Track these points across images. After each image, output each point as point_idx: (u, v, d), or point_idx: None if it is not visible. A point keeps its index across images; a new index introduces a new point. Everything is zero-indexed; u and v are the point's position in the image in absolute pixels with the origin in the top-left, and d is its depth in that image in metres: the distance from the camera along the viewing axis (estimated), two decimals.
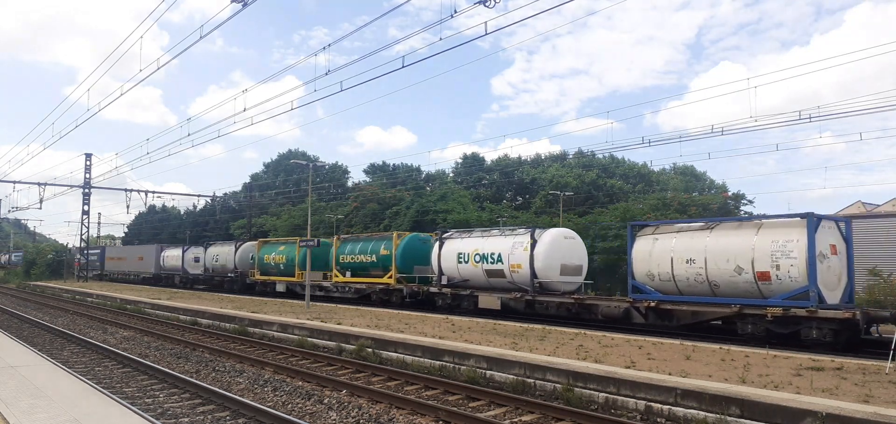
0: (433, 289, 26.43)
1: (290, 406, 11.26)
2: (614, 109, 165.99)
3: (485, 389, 12.12)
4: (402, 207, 49.87)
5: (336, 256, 32.46)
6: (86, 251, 63.21)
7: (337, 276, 32.35)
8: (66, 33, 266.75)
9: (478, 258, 24.78)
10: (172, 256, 52.20)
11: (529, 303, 22.77)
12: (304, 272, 30.72)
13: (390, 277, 28.71)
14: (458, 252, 25.64)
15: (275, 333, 20.41)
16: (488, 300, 24.12)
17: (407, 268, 28.52)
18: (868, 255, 21.07)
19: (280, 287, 36.56)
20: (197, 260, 47.22)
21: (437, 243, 26.87)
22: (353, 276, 31.33)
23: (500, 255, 23.92)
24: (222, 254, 44.07)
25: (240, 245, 43.72)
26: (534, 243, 22.97)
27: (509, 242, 23.83)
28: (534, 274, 22.80)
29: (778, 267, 15.84)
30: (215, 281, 44.77)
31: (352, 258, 31.57)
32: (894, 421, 7.99)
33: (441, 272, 26.32)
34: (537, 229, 23.95)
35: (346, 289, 31.90)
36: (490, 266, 24.27)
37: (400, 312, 25.15)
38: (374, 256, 30.09)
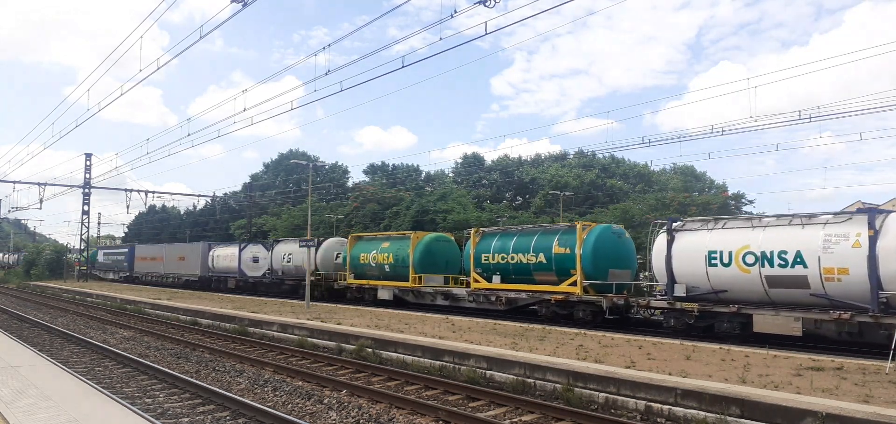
0: (660, 302, 18.96)
1: (290, 406, 11.26)
2: (614, 110, 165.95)
3: (485, 389, 12.12)
4: (402, 207, 49.88)
5: (475, 254, 25.34)
6: (109, 251, 60.69)
7: (478, 281, 25.19)
8: (67, 34, 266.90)
9: (750, 259, 16.96)
10: (225, 255, 44.50)
11: (868, 328, 15.01)
12: (421, 276, 27.93)
13: (572, 284, 21.53)
14: (707, 250, 17.94)
15: (275, 333, 20.41)
16: (774, 323, 16.50)
17: (599, 272, 21.28)
18: None
19: (383, 294, 29.77)
20: (256, 260, 40.42)
21: (662, 235, 19.45)
22: (505, 281, 24.27)
23: (799, 253, 15.99)
24: (296, 253, 36.23)
25: (322, 242, 36.67)
26: (875, 234, 14.90)
27: (818, 234, 15.90)
28: (878, 284, 14.67)
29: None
30: (286, 286, 37.44)
31: (503, 258, 24.27)
32: (894, 421, 7.99)
33: (673, 279, 18.71)
34: (879, 212, 15.78)
35: (494, 299, 24.79)
36: (777, 272, 16.40)
37: (400, 312, 25.13)
38: (541, 255, 22.96)
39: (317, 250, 34.82)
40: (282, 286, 37.85)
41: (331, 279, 34.61)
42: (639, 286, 21.87)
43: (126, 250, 62.74)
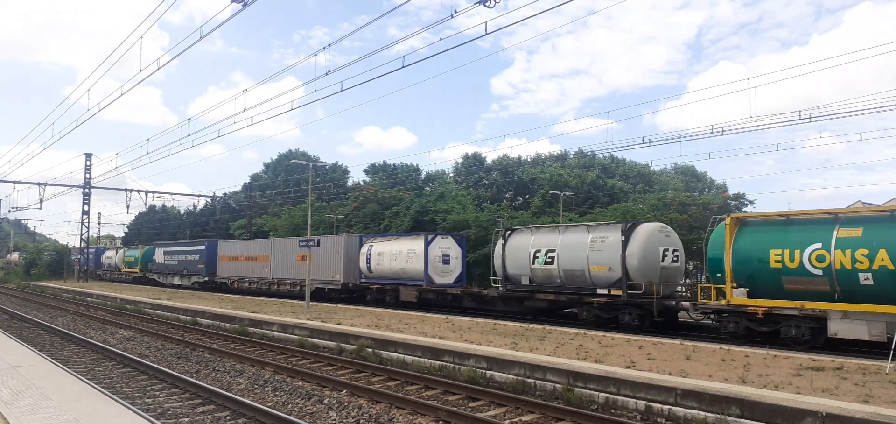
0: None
1: (290, 406, 11.26)
2: (614, 110, 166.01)
3: (485, 389, 12.12)
4: (401, 207, 49.87)
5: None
6: (174, 248, 51.03)
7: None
8: (67, 34, 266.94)
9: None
10: (398, 252, 29.65)
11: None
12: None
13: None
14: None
15: (275, 333, 20.40)
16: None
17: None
18: None
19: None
20: (447, 260, 28.93)
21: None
22: None
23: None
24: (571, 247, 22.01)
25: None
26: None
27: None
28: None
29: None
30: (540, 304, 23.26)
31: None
32: (894, 421, 7.98)
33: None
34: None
35: (527, 301, 22.95)
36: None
37: (400, 312, 25.13)
38: None
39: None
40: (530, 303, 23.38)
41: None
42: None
43: (202, 247, 47.74)
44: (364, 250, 31.65)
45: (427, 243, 28.58)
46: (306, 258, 28.62)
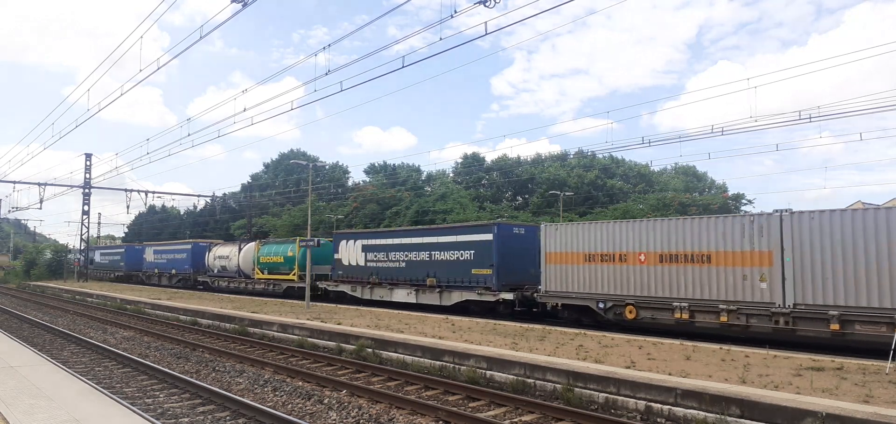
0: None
1: (290, 406, 11.26)
2: (614, 110, 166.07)
3: (485, 389, 12.12)
4: (401, 207, 49.90)
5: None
6: (374, 239, 39.12)
7: None
8: (67, 34, 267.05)
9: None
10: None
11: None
12: None
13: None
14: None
15: (275, 333, 20.40)
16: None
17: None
18: None
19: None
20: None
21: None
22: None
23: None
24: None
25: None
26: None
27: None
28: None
29: None
30: None
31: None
32: (894, 421, 7.98)
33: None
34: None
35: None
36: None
37: (399, 312, 25.14)
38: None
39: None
40: None
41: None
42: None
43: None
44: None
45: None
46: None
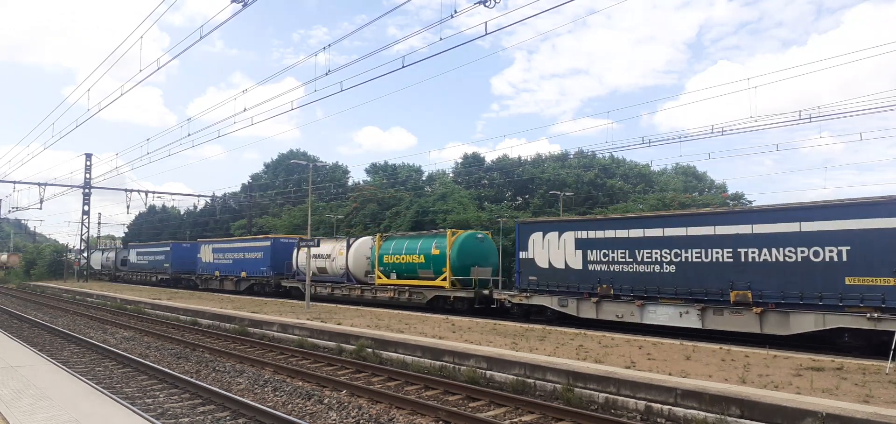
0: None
1: (290, 406, 11.26)
2: (614, 110, 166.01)
3: (485, 389, 12.12)
4: (401, 207, 49.88)
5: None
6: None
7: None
8: (67, 35, 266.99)
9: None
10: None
11: None
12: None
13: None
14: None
15: (275, 333, 20.40)
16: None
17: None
18: None
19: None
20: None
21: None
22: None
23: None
24: None
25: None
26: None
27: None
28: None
29: None
30: None
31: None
32: (894, 421, 7.98)
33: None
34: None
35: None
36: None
37: (400, 312, 25.14)
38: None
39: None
40: None
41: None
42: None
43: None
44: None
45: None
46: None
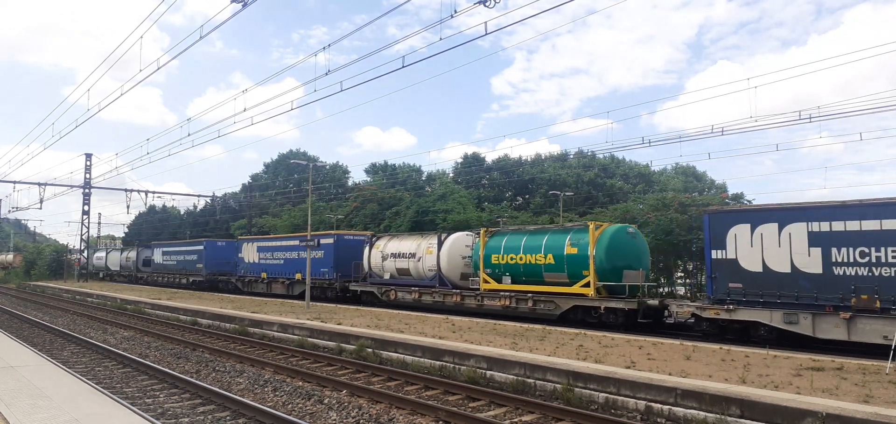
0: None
1: (290, 406, 11.26)
2: (614, 110, 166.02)
3: (485, 389, 12.12)
4: (401, 207, 49.90)
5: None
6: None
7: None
8: (67, 35, 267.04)
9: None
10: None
11: None
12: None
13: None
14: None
15: (275, 333, 20.40)
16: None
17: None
18: None
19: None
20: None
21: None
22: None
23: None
24: None
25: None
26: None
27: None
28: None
29: None
30: None
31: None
32: (894, 421, 7.98)
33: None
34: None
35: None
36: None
37: (400, 312, 25.14)
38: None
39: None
40: None
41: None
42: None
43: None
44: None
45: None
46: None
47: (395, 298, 28.74)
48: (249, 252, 41.35)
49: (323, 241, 34.17)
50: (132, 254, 61.90)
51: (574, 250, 21.80)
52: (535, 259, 22.88)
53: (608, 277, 20.98)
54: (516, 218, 45.87)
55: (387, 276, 29.86)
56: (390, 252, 29.69)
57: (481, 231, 25.95)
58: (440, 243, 27.47)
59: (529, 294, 22.82)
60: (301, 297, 33.60)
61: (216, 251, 46.87)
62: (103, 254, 69.72)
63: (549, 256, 22.49)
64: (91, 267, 68.64)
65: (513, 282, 23.68)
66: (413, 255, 28.68)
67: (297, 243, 36.16)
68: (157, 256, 54.55)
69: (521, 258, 23.45)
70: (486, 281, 24.67)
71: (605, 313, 20.52)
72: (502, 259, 24.13)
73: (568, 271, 21.84)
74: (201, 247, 47.52)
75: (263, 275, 39.21)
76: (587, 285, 21.08)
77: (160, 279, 53.22)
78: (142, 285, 52.89)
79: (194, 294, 38.99)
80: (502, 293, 23.65)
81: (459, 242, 27.53)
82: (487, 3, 12.28)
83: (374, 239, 31.20)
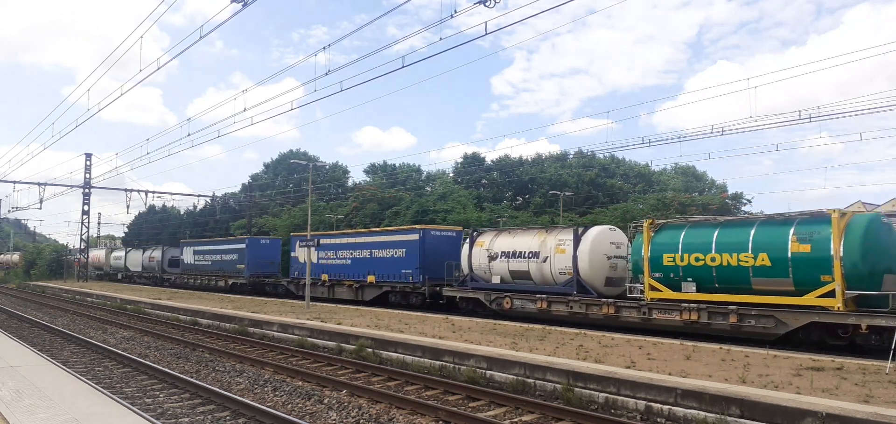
0: None
1: (290, 406, 11.26)
2: (614, 110, 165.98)
3: (485, 389, 12.11)
4: (401, 207, 49.90)
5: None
6: None
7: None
8: (67, 35, 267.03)
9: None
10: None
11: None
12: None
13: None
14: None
15: (275, 333, 20.40)
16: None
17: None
18: None
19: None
20: None
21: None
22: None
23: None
24: None
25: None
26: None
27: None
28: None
29: None
30: None
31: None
32: (894, 421, 7.98)
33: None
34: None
35: None
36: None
37: (400, 312, 25.14)
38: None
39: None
40: None
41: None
42: None
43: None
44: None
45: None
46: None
47: (511, 307, 23.25)
48: (305, 252, 31.51)
49: (404, 237, 29.37)
50: (156, 253, 56.01)
51: (804, 248, 16.05)
52: (739, 260, 17.10)
53: (864, 284, 15.27)
54: (516, 218, 45.87)
55: (496, 279, 24.60)
56: (500, 251, 24.44)
57: (645, 224, 19.88)
58: (577, 240, 21.97)
59: (732, 307, 17.01)
60: (374, 303, 30.06)
61: (260, 250, 41.58)
62: (122, 254, 64.02)
63: (763, 256, 16.67)
64: (108, 268, 64.27)
65: (698, 290, 18.03)
66: (535, 254, 23.21)
67: (372, 240, 31.57)
68: (188, 255, 48.94)
69: (712, 259, 17.68)
70: (653, 288, 19.06)
71: (866, 333, 14.72)
72: (682, 260, 18.39)
73: (794, 275, 16.14)
74: (243, 245, 41.89)
75: (324, 277, 34.06)
76: (830, 294, 15.44)
77: (191, 281, 47.27)
78: (171, 288, 47.40)
79: (194, 294, 38.98)
80: (684, 305, 17.95)
81: (604, 237, 22.17)
82: (487, 3, 12.28)
83: (475, 235, 26.13)
